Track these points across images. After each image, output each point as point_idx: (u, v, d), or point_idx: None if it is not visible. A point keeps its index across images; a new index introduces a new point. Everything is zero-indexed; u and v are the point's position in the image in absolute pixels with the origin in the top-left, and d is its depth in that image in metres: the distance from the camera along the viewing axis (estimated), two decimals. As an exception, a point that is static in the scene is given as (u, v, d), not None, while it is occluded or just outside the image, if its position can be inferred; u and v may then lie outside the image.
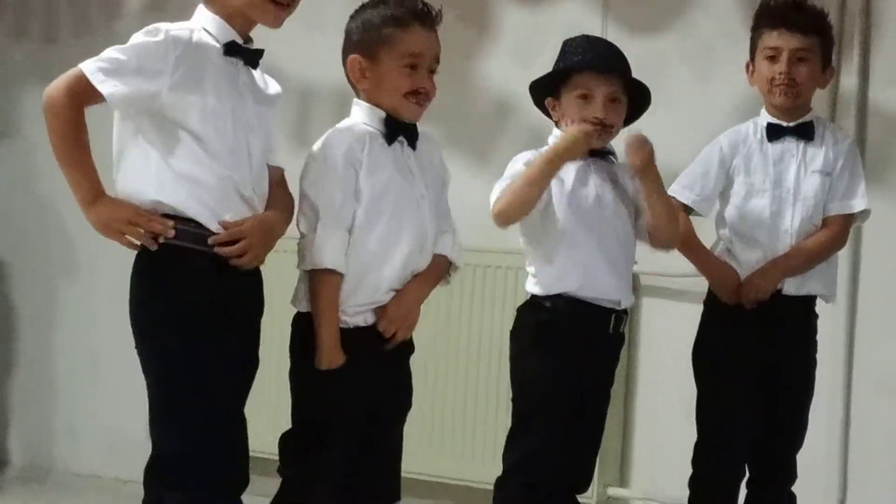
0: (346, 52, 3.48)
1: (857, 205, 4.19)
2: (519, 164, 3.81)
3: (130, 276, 3.22)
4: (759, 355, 4.08)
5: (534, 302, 3.86)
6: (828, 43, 4.19)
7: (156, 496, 3.21)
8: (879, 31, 4.73)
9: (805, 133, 4.14)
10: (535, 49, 4.05)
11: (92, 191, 3.15)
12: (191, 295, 3.15)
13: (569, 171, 3.84)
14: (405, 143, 3.46)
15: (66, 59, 6.20)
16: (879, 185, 4.64)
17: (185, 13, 3.34)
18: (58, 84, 3.17)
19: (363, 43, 3.43)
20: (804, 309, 4.16)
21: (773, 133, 4.14)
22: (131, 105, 3.16)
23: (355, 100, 3.51)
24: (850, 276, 4.72)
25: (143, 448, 3.21)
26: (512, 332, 3.94)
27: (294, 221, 3.41)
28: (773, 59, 4.10)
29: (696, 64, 4.88)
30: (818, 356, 4.24)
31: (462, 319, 4.97)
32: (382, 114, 3.43)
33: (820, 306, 4.26)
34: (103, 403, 5.79)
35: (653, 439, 4.91)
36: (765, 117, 4.17)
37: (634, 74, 3.98)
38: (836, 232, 4.18)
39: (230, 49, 3.24)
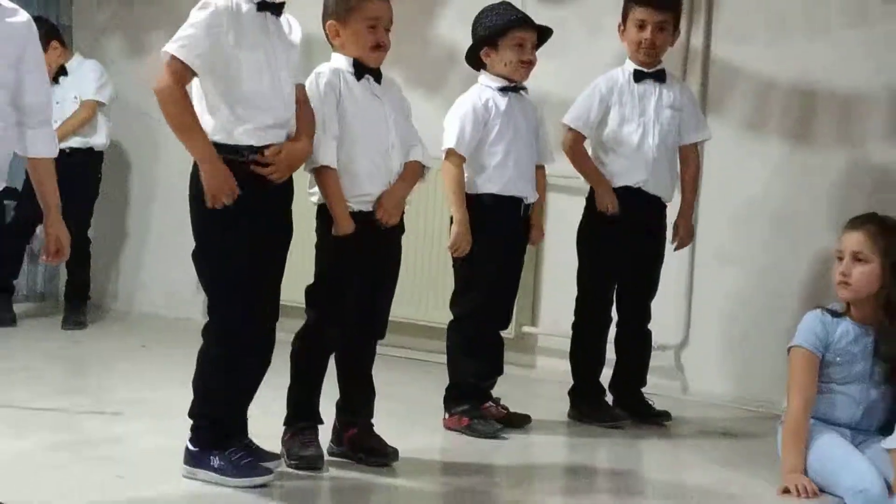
0: (325, 18, 3.44)
1: (706, 134, 4.29)
2: (465, 107, 3.91)
3: (190, 174, 3.13)
4: (623, 239, 4.14)
5: (468, 195, 3.92)
6: (678, 14, 4.21)
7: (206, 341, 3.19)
8: (719, 2, 4.69)
9: (660, 77, 4.19)
10: (474, 12, 4.09)
11: (207, 150, 3.05)
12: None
13: (500, 105, 3.94)
14: (371, 80, 3.43)
15: (139, 19, 6.23)
16: (719, 116, 4.67)
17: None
18: (161, 77, 3.03)
19: (337, 12, 3.40)
20: (656, 205, 4.23)
21: (638, 76, 4.17)
22: (208, 68, 3.05)
23: (333, 53, 3.46)
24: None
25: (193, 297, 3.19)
26: (451, 217, 3.96)
27: None
28: (640, 27, 4.11)
29: (587, 26, 4.86)
30: (670, 234, 4.29)
31: (424, 206, 4.89)
32: (352, 59, 3.40)
33: (675, 204, 4.30)
34: (168, 264, 5.72)
35: (554, 292, 4.90)
36: (630, 65, 4.18)
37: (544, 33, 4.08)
38: (697, 159, 4.30)
39: (261, 6, 3.14)
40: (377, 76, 3.46)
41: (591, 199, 4.23)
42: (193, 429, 3.19)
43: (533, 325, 5.07)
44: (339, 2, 3.40)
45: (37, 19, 5.65)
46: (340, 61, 3.43)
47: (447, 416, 3.98)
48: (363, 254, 3.38)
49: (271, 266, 3.20)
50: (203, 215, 3.12)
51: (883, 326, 3.38)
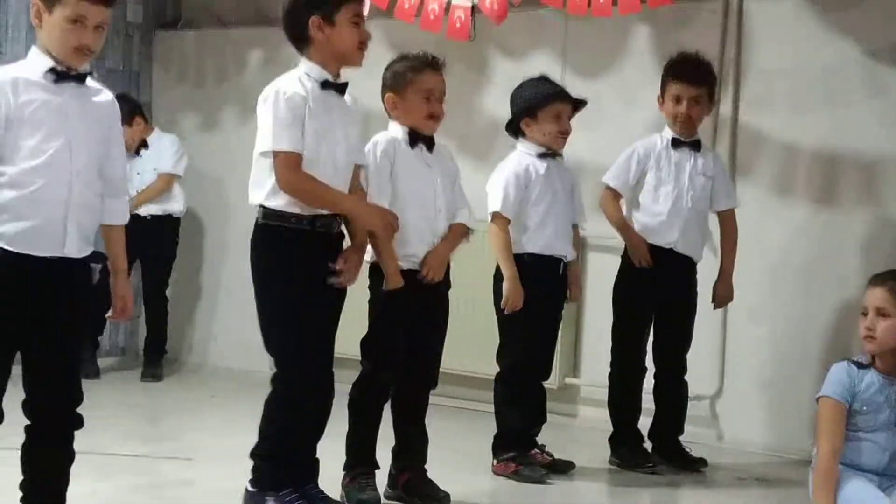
0: (384, 92, 3.50)
1: (735, 202, 4.28)
2: (507, 173, 3.92)
3: (251, 241, 3.19)
4: (655, 294, 4.13)
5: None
6: (713, 87, 4.20)
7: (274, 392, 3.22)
8: (746, 74, 4.70)
9: (695, 146, 4.18)
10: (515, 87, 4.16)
11: (353, 203, 3.19)
12: (289, 256, 3.13)
13: (540, 170, 3.95)
14: (424, 149, 3.48)
15: (210, 97, 6.38)
16: (747, 180, 4.66)
17: (289, 65, 3.26)
18: (283, 174, 3.05)
19: (394, 85, 3.46)
20: (687, 264, 4.20)
21: (676, 144, 4.16)
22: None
23: (391, 122, 3.51)
24: None
25: (260, 350, 3.25)
26: (494, 276, 4.02)
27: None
28: (677, 100, 4.11)
29: (623, 98, 4.88)
30: (705, 289, 4.26)
31: (472, 265, 4.93)
32: (407, 129, 3.46)
33: (708, 259, 4.30)
34: (238, 320, 5.67)
35: (595, 345, 4.82)
36: (669, 132, 4.18)
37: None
38: (734, 224, 4.27)
39: (324, 84, 3.16)
40: (430, 144, 3.50)
41: (625, 256, 4.22)
42: (253, 470, 3.20)
43: (575, 377, 5.03)
44: (396, 76, 3.46)
45: (122, 97, 5.87)
46: (397, 130, 3.48)
47: (495, 462, 3.97)
48: (411, 307, 3.40)
49: (325, 320, 3.21)
50: (262, 276, 3.16)
51: (906, 377, 3.32)
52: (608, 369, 4.30)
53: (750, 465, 4.34)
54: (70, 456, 2.80)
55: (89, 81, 2.79)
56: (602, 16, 4.71)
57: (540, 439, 4.07)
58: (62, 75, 2.71)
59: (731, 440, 4.68)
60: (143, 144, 5.72)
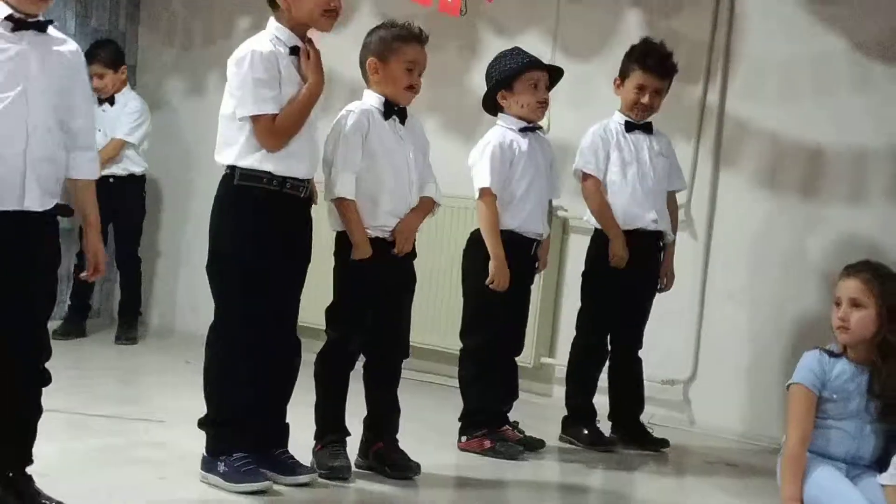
0: (365, 55, 3.48)
1: (684, 184, 4.38)
2: (491, 148, 3.90)
3: (215, 198, 3.19)
4: (624, 279, 4.12)
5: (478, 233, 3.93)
6: (672, 79, 4.21)
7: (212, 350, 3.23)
8: (734, 63, 4.73)
9: (647, 129, 4.21)
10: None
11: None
12: (256, 216, 3.13)
13: (522, 146, 3.95)
14: (397, 121, 3.47)
15: (197, 61, 6.36)
16: (732, 169, 4.70)
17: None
18: (261, 138, 3.09)
19: (379, 51, 3.44)
20: (658, 242, 4.23)
21: (630, 128, 4.18)
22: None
23: (366, 90, 3.50)
24: (706, 225, 4.74)
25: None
26: (464, 251, 4.02)
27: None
28: (640, 89, 4.13)
29: (611, 79, 4.88)
30: (683, 274, 4.33)
31: (440, 238, 4.92)
32: (383, 98, 3.45)
33: (688, 244, 4.37)
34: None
35: (571, 326, 4.65)
36: (621, 116, 4.19)
37: (570, 86, 4.13)
38: (676, 205, 4.33)
39: (293, 50, 3.14)
40: (402, 116, 3.50)
41: (596, 241, 4.23)
42: (206, 436, 3.22)
43: (551, 357, 5.07)
44: (383, 42, 3.45)
45: (110, 42, 5.74)
46: (372, 99, 3.47)
47: (465, 439, 3.96)
48: (380, 276, 3.40)
49: (286, 284, 3.22)
50: (222, 232, 3.17)
51: (877, 366, 3.37)
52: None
53: (720, 450, 4.39)
54: (37, 411, 2.77)
55: (52, 31, 2.72)
56: (595, -4, 4.72)
57: (513, 416, 4.08)
58: (20, 23, 2.64)
59: (702, 425, 4.73)
60: (111, 100, 5.66)
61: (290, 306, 3.27)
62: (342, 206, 3.38)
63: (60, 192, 2.77)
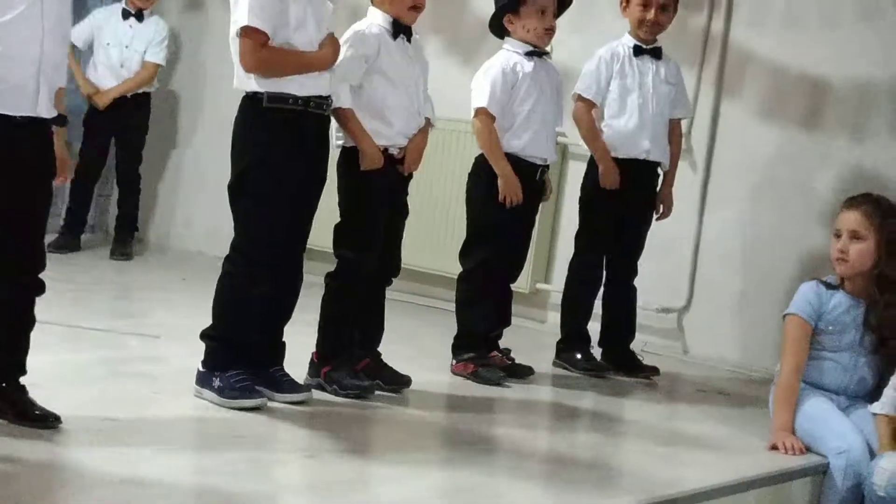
0: None
1: (689, 111, 4.34)
2: (494, 70, 3.85)
3: (237, 121, 3.17)
4: (621, 206, 4.12)
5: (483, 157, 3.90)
6: None
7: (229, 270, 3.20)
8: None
9: (657, 54, 4.17)
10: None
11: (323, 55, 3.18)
12: (281, 136, 3.12)
13: (526, 69, 3.90)
14: (405, 39, 3.45)
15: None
16: (734, 98, 4.65)
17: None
18: (244, 56, 3.06)
19: None
20: (655, 172, 4.22)
21: (637, 51, 4.14)
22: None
23: (371, 7, 3.47)
24: (706, 154, 4.70)
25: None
26: (469, 174, 3.99)
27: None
28: (645, 6, 4.08)
29: (613, 2, 4.75)
30: (681, 202, 4.31)
31: (441, 162, 4.86)
32: (391, 18, 3.42)
33: (687, 172, 4.33)
34: (213, 206, 5.65)
35: (568, 251, 4.62)
36: (630, 39, 4.15)
37: (574, 10, 4.04)
38: (680, 133, 4.30)
39: None
40: (409, 35, 3.47)
41: (592, 167, 4.19)
42: (205, 350, 3.20)
43: (546, 283, 5.06)
44: None
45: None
46: (378, 18, 3.43)
47: (455, 362, 3.95)
48: (387, 191, 3.40)
49: (305, 204, 3.22)
50: (250, 153, 3.13)
51: (873, 299, 3.36)
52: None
53: (713, 380, 4.40)
54: (31, 321, 2.77)
55: None
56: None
57: (507, 343, 4.07)
58: None
59: (696, 354, 4.73)
60: (139, 15, 5.59)
61: (305, 227, 3.26)
62: (343, 116, 3.34)
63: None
